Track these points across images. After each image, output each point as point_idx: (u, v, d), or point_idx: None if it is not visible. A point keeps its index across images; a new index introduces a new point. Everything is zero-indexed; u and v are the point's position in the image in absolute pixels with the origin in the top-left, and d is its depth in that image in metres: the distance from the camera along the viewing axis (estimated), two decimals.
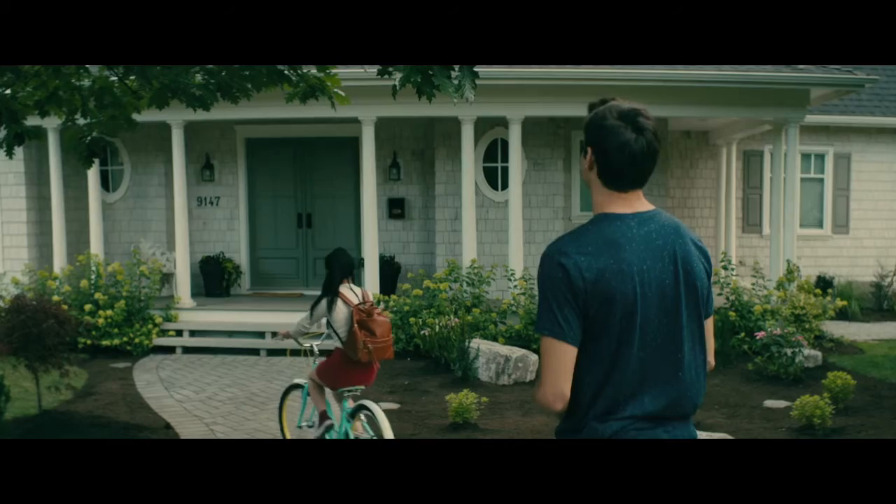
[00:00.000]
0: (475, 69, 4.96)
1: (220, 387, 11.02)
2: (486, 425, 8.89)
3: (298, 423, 7.68)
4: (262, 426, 9.01)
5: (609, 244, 2.86)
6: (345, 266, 7.22)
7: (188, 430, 8.83)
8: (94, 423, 8.83)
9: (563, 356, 2.87)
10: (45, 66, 6.20)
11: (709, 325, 3.11)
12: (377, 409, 6.85)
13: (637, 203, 2.96)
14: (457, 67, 4.90)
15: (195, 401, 10.23)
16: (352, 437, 6.99)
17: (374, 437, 6.99)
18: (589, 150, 2.96)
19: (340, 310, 7.04)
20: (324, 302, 7.06)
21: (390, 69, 5.12)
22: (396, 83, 5.03)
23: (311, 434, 7.32)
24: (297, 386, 7.72)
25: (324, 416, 7.25)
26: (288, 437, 7.66)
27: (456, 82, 4.85)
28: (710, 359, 3.14)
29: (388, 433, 6.67)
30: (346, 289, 7.13)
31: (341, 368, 7.06)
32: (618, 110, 2.90)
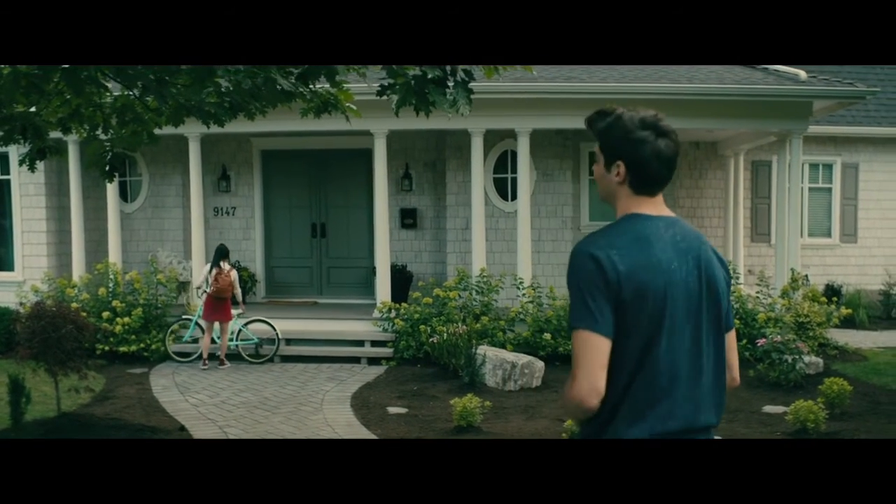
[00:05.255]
0: (469, 85, 5.25)
1: (233, 391, 11.33)
2: (489, 428, 9.16)
3: (185, 339, 13.67)
4: (275, 429, 9.31)
5: (640, 240, 2.88)
6: (219, 255, 13.01)
7: (202, 432, 9.14)
8: (110, 426, 9.14)
9: (599, 348, 2.80)
10: (67, 85, 6.47)
11: (731, 339, 3.11)
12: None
13: (662, 207, 3.02)
14: (451, 85, 5.18)
15: (209, 405, 10.54)
16: (234, 343, 13.49)
17: (256, 341, 13.54)
18: (620, 163, 2.96)
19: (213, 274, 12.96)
20: (211, 269, 12.96)
21: (388, 91, 5.42)
22: (394, 106, 5.33)
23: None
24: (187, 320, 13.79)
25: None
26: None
27: (451, 98, 5.13)
28: (735, 374, 3.13)
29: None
30: (223, 263, 12.89)
31: (210, 306, 12.95)
32: (639, 120, 2.93)
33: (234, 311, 13.23)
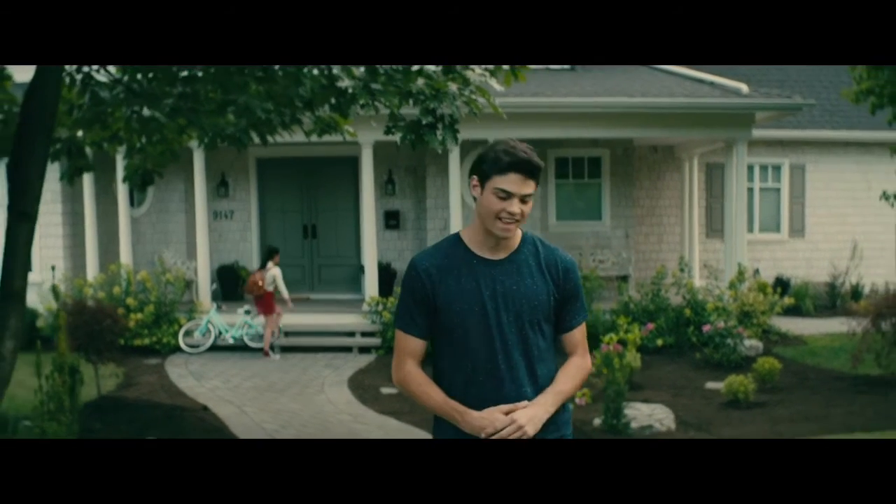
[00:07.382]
0: (455, 128, 6.76)
1: (243, 378, 12.78)
2: None
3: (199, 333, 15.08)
4: (285, 407, 10.77)
5: None
6: (268, 254, 14.69)
7: (223, 411, 10.55)
8: (145, 405, 10.59)
9: None
10: (140, 127, 7.86)
11: None
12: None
13: None
14: (440, 127, 6.69)
15: (223, 389, 11.97)
16: (240, 334, 15.07)
17: (260, 332, 14.90)
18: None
19: None
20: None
21: (392, 130, 6.95)
22: (398, 140, 6.85)
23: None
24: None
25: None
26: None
27: (440, 139, 6.65)
28: None
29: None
30: (270, 264, 14.37)
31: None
32: None
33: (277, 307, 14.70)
